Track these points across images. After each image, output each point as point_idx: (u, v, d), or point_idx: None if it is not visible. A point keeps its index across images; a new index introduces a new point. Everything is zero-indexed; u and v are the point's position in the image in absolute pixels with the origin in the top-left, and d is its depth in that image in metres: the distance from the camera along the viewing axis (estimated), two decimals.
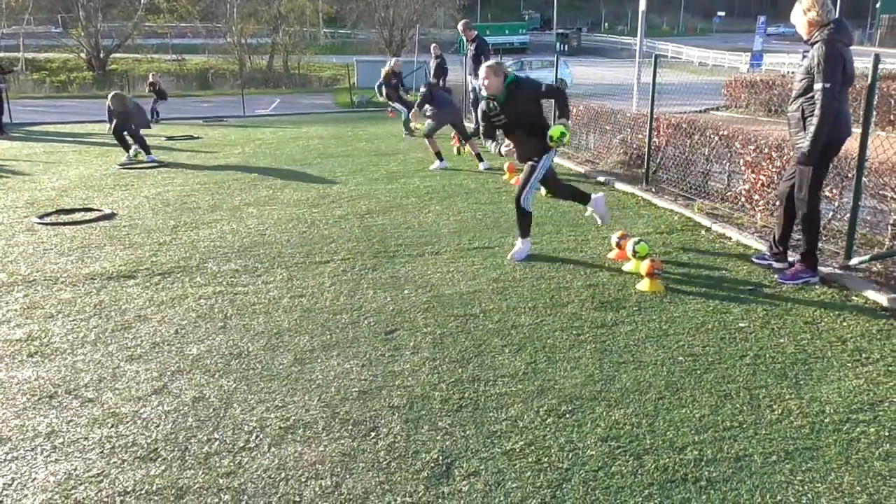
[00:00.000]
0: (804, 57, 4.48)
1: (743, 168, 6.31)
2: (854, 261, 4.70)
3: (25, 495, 2.54)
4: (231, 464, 2.71)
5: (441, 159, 9.22)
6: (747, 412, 3.02)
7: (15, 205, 7.47)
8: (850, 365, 3.44)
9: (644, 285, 4.50)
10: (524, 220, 5.17)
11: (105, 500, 2.51)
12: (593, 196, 5.45)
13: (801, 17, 4.32)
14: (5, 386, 3.36)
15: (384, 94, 13.49)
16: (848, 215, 4.80)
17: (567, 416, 3.01)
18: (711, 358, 3.54)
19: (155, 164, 10.03)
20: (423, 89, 9.49)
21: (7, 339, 3.92)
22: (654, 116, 7.47)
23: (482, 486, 2.55)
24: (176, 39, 41.76)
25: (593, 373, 3.40)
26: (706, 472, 2.60)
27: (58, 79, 34.10)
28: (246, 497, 2.51)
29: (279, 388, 3.30)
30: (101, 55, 37.20)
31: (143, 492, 2.55)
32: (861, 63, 4.65)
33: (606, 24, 71.62)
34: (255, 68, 35.97)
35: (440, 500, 2.48)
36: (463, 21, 12.04)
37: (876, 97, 4.62)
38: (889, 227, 5.03)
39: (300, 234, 6.09)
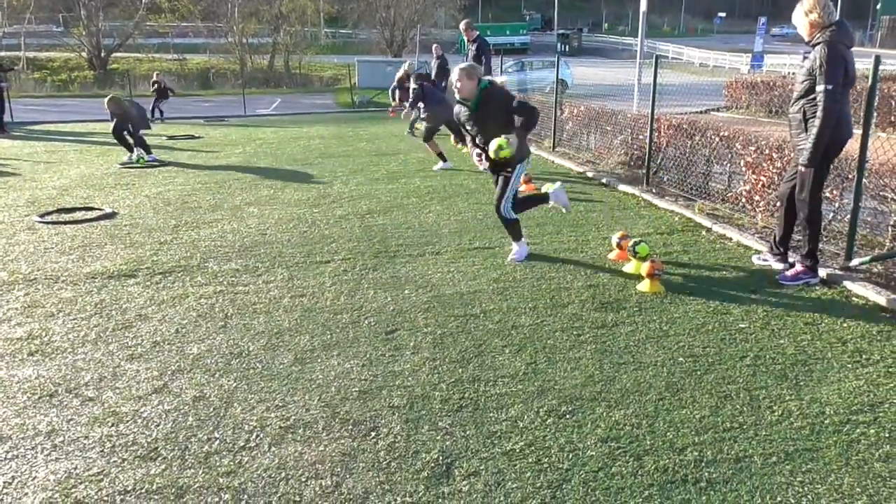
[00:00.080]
0: (805, 58, 4.48)
1: (744, 169, 6.31)
2: (854, 262, 4.70)
3: (26, 493, 2.54)
4: (231, 463, 2.71)
5: (444, 160, 9.22)
6: (747, 413, 3.02)
7: (16, 203, 7.48)
8: (850, 366, 3.44)
9: (644, 286, 4.50)
10: (511, 227, 5.18)
11: (105, 498, 2.51)
12: (550, 192, 5.43)
13: (802, 19, 4.32)
14: (6, 384, 3.36)
15: (398, 97, 13.47)
16: (848, 216, 4.80)
17: (567, 416, 3.01)
18: (712, 359, 3.54)
19: (156, 164, 10.04)
20: (413, 86, 9.40)
21: (8, 337, 3.93)
22: (655, 117, 7.47)
23: (482, 486, 2.55)
24: (177, 39, 41.76)
25: (593, 373, 3.40)
26: (706, 473, 2.60)
27: (59, 78, 34.10)
28: (246, 496, 2.52)
29: (279, 387, 3.31)
30: (103, 54, 37.20)
31: (143, 491, 2.55)
32: (861, 64, 4.65)
33: (607, 25, 71.61)
34: (256, 68, 35.96)
35: (440, 500, 2.48)
36: (465, 21, 12.04)
37: (876, 98, 4.62)
38: (889, 229, 5.03)
39: (301, 233, 6.09)
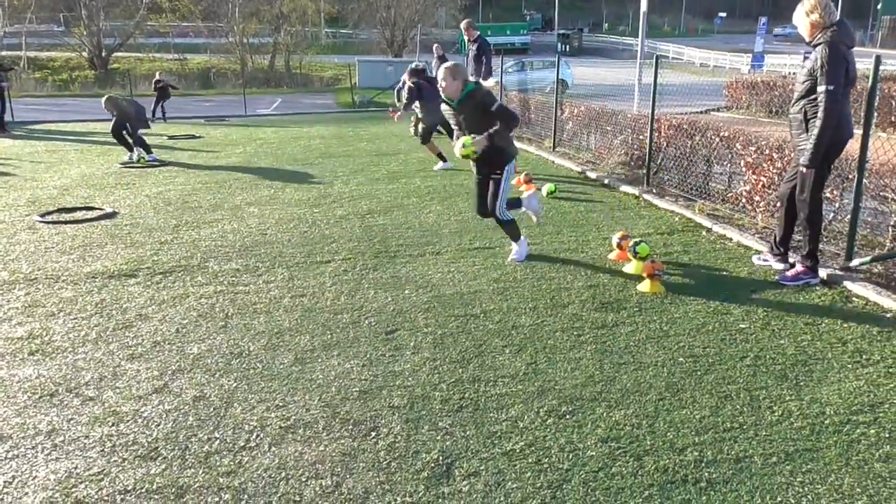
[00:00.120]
0: (806, 58, 4.48)
1: (744, 169, 6.31)
2: (855, 262, 4.70)
3: (26, 493, 2.54)
4: (231, 463, 2.71)
5: (444, 160, 9.22)
6: (747, 413, 3.02)
7: (17, 203, 7.48)
8: (850, 366, 3.44)
9: (645, 286, 4.50)
10: (508, 228, 5.19)
11: (105, 498, 2.51)
12: (523, 198, 5.45)
13: (803, 19, 4.32)
14: (6, 384, 3.37)
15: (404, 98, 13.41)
16: (849, 217, 4.80)
17: (567, 416, 3.01)
18: (712, 359, 3.54)
19: (156, 164, 10.04)
20: (409, 84, 9.29)
21: (8, 337, 3.93)
22: (655, 117, 7.47)
23: (482, 486, 2.55)
24: (178, 39, 41.79)
25: (594, 374, 3.40)
26: (706, 474, 2.60)
27: (60, 77, 34.13)
28: (246, 496, 2.52)
29: (280, 387, 3.31)
30: (103, 54, 37.23)
31: (143, 490, 2.55)
32: (862, 64, 4.65)
33: (607, 25, 71.61)
34: (256, 68, 35.98)
35: (440, 500, 2.48)
36: (466, 20, 12.03)
37: (877, 99, 4.62)
38: (890, 229, 5.03)
39: (301, 233, 6.09)
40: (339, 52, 43.55)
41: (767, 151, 5.98)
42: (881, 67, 4.63)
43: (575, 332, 3.88)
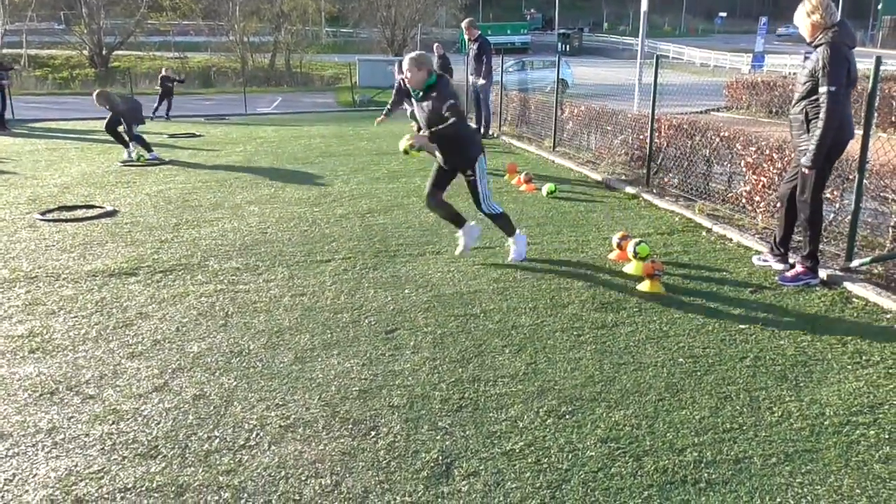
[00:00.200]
0: (806, 58, 4.48)
1: (744, 169, 6.32)
2: (855, 263, 4.70)
3: (26, 491, 2.55)
4: (231, 462, 2.72)
5: None
6: (747, 414, 3.02)
7: (17, 201, 7.48)
8: (850, 367, 3.45)
9: (644, 286, 4.51)
10: (500, 221, 5.09)
11: (105, 496, 2.52)
12: (468, 223, 5.23)
13: (804, 20, 4.32)
14: (7, 382, 3.37)
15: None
16: (849, 217, 4.80)
17: (567, 416, 3.01)
18: (711, 359, 3.54)
19: (157, 162, 10.04)
20: (397, 77, 9.15)
21: (9, 335, 3.93)
22: (656, 117, 7.47)
23: (482, 486, 2.56)
24: (178, 37, 41.77)
25: (593, 374, 3.40)
26: (706, 474, 2.60)
27: (60, 76, 34.13)
28: (246, 495, 2.52)
29: (279, 386, 3.31)
30: (104, 52, 37.21)
31: (143, 489, 2.55)
32: (862, 65, 4.65)
33: (608, 25, 71.60)
34: (257, 67, 35.96)
35: (440, 500, 2.48)
36: (467, 20, 12.03)
37: (877, 99, 4.62)
38: (890, 230, 5.03)
39: (301, 232, 6.10)
40: (340, 51, 43.54)
41: (768, 152, 5.98)
42: (881, 68, 4.64)
43: (575, 332, 3.88)
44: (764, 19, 37.52)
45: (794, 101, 4.48)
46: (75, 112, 18.33)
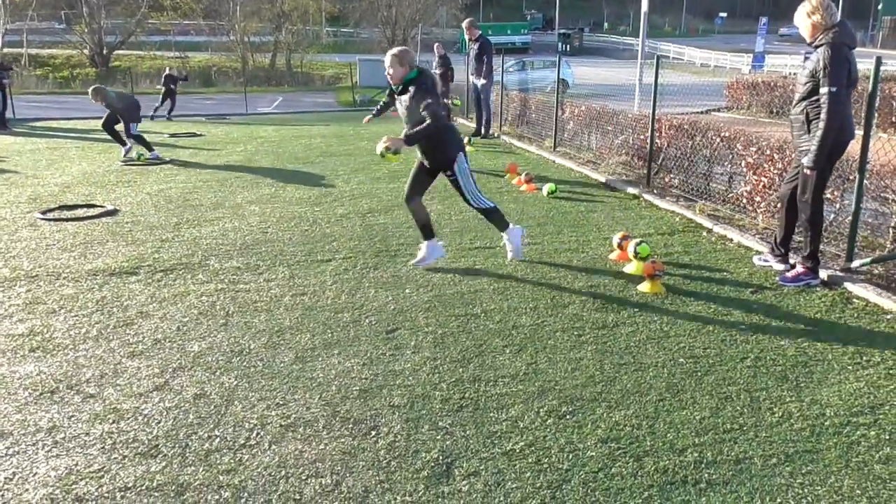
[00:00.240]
0: (806, 59, 4.48)
1: (744, 170, 6.32)
2: (855, 263, 4.70)
3: (26, 489, 2.55)
4: (231, 461, 2.72)
5: None
6: (747, 414, 3.02)
7: (18, 200, 7.48)
8: (850, 368, 3.45)
9: (645, 287, 4.51)
10: (492, 216, 5.03)
11: (106, 495, 2.52)
12: (432, 241, 5.09)
13: (805, 20, 4.32)
14: (7, 381, 3.37)
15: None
16: (849, 218, 4.80)
17: (567, 416, 3.01)
18: (712, 360, 3.54)
19: (157, 161, 10.04)
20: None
21: (9, 333, 3.93)
22: (656, 117, 7.47)
23: (482, 486, 2.56)
24: (179, 37, 41.73)
25: (594, 374, 3.40)
26: (706, 475, 2.60)
27: (61, 75, 34.09)
28: (246, 494, 2.52)
29: (280, 385, 3.31)
30: (105, 52, 37.20)
31: (143, 488, 2.55)
32: (862, 65, 4.65)
33: (608, 25, 71.60)
34: (257, 66, 35.95)
35: (440, 500, 2.48)
36: (468, 20, 12.03)
37: (877, 100, 4.62)
38: (890, 230, 5.03)
39: (302, 232, 6.10)
40: (340, 50, 43.51)
41: (768, 152, 5.98)
42: (882, 68, 4.64)
43: (575, 333, 3.88)
44: (764, 19, 37.54)
45: (794, 102, 4.48)
46: (76, 111, 18.32)
